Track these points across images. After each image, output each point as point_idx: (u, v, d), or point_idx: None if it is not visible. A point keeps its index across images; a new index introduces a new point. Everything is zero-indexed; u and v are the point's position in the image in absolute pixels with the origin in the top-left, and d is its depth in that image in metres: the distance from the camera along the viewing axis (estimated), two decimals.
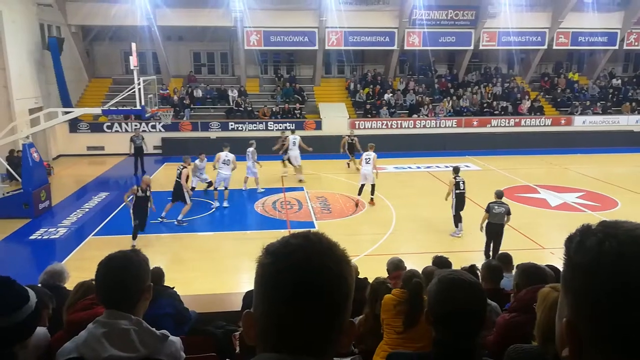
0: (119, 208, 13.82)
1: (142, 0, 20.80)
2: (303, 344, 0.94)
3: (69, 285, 4.36)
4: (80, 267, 8.66)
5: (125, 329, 1.93)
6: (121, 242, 10.08)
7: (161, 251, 10.66)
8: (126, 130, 21.94)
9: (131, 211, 10.59)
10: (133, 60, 14.95)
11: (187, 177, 12.42)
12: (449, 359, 1.75)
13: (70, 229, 12.08)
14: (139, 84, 14.80)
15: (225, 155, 13.89)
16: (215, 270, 9.50)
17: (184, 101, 23.21)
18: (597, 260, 0.77)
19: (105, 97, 21.88)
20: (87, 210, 13.69)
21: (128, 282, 1.99)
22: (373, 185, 13.98)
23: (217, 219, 12.99)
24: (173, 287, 5.14)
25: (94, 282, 3.82)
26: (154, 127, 21.93)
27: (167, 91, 23.45)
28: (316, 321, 0.94)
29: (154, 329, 2.02)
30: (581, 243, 0.81)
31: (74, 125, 21.37)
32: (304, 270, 0.94)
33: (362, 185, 14.03)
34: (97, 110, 17.07)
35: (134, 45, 15.17)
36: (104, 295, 2.04)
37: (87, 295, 3.46)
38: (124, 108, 16.87)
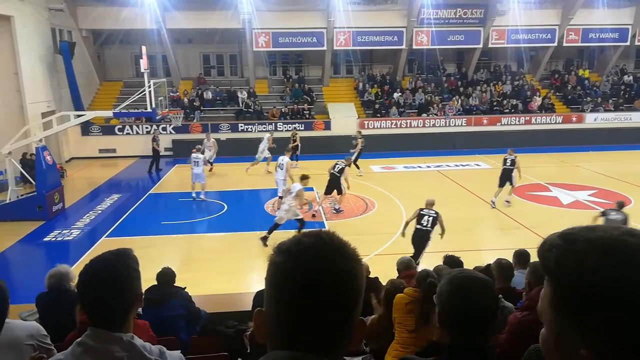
0: (132, 209, 13.95)
1: (152, 4, 20.96)
2: (314, 341, 0.95)
3: None
4: None
5: (118, 357, 1.64)
6: (134, 244, 10.13)
7: (172, 251, 10.74)
8: (137, 133, 22.13)
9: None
10: (143, 63, 15.07)
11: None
12: None
13: (84, 231, 12.21)
14: (149, 86, 14.93)
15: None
16: (226, 271, 9.54)
17: (194, 103, 23.35)
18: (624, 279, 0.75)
19: (116, 100, 22.07)
20: (100, 212, 13.83)
21: (114, 298, 1.69)
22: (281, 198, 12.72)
23: (228, 220, 13.05)
24: (184, 288, 5.19)
25: None
26: (164, 129, 22.07)
27: (177, 93, 23.61)
28: (327, 319, 0.95)
29: (148, 352, 1.72)
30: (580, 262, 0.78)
31: (85, 128, 21.60)
32: (316, 269, 0.95)
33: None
34: (109, 113, 17.23)
35: (144, 48, 15.29)
36: (90, 314, 1.73)
37: None
38: (135, 111, 17.02)
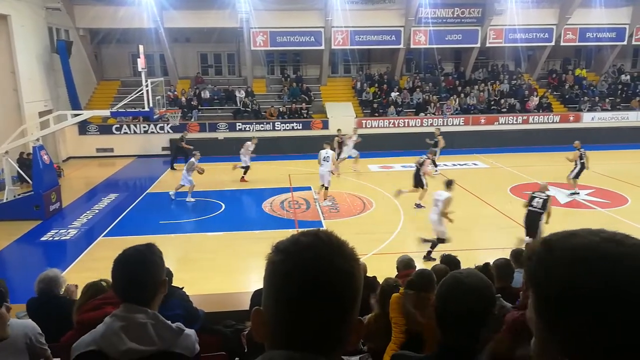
0: (129, 209, 13.93)
1: (149, 3, 20.91)
2: (312, 341, 0.95)
3: (80, 285, 4.39)
4: (91, 268, 8.76)
5: (143, 322, 1.97)
6: (131, 243, 10.08)
7: (170, 251, 10.71)
8: (135, 132, 22.09)
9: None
10: (141, 62, 15.05)
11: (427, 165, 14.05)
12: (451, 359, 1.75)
13: (81, 230, 12.18)
14: (146, 85, 14.91)
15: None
16: (224, 270, 9.54)
17: (192, 102, 23.32)
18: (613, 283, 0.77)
19: (113, 99, 22.04)
20: (97, 211, 13.80)
21: (143, 278, 2.03)
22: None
23: (225, 219, 13.04)
24: (182, 287, 5.17)
25: (103, 282, 3.85)
26: (162, 128, 22.06)
27: (175, 92, 23.58)
28: (325, 319, 0.95)
29: (169, 323, 2.07)
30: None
31: (83, 127, 21.55)
32: (314, 268, 0.95)
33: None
34: (106, 113, 17.20)
35: (141, 47, 15.26)
36: (120, 291, 2.07)
37: (96, 295, 3.50)
38: (133, 110, 16.99)
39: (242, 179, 16.65)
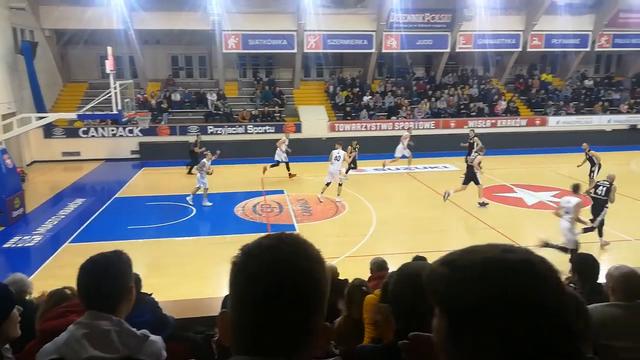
0: (97, 214, 13.61)
1: (118, 4, 20.51)
2: (276, 345, 0.94)
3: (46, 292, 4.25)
4: (56, 275, 8.49)
5: (106, 329, 1.94)
6: (98, 249, 9.85)
7: (139, 257, 10.43)
8: (102, 136, 21.62)
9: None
10: (109, 64, 14.77)
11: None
12: None
13: (46, 237, 11.83)
14: (115, 88, 14.63)
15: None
16: (194, 275, 9.41)
17: (162, 105, 22.97)
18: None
19: (80, 102, 21.50)
20: (63, 217, 13.43)
21: (108, 284, 2.00)
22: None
23: (196, 224, 12.87)
24: (151, 294, 5.07)
25: (67, 290, 3.74)
26: (131, 131, 21.64)
27: (145, 95, 23.18)
28: (289, 322, 0.94)
29: (134, 330, 2.03)
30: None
31: (48, 130, 20.93)
32: (276, 271, 0.94)
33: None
34: (73, 115, 16.79)
35: (109, 49, 14.99)
36: (84, 297, 2.03)
37: (60, 303, 3.39)
38: (101, 112, 16.63)
39: (290, 175, 17.16)
